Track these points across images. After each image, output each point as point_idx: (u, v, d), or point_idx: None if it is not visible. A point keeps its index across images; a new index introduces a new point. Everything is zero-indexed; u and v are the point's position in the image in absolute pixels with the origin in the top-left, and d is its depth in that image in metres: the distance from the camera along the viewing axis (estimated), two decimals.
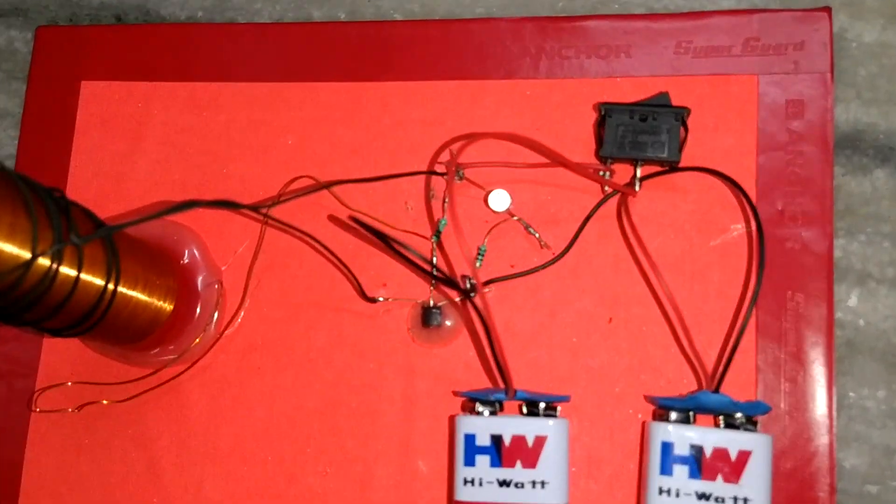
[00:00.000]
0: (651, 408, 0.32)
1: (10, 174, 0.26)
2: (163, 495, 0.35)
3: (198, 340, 0.36)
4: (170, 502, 0.35)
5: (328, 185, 0.35)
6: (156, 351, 0.36)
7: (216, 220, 0.37)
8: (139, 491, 0.35)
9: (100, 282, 0.30)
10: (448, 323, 0.34)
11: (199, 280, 0.36)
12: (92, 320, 0.31)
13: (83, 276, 0.29)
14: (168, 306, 0.34)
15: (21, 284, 0.26)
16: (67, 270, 0.28)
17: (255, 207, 0.34)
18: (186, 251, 0.36)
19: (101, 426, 0.36)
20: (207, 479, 0.35)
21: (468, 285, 0.34)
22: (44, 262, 0.26)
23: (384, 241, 0.31)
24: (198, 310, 0.36)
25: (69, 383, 0.36)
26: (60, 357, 0.37)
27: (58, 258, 0.27)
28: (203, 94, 0.38)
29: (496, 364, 0.30)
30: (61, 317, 0.29)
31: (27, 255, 0.25)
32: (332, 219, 0.36)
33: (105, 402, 0.35)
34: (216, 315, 0.36)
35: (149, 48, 0.39)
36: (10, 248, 0.25)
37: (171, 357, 0.36)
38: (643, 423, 0.32)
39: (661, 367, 0.33)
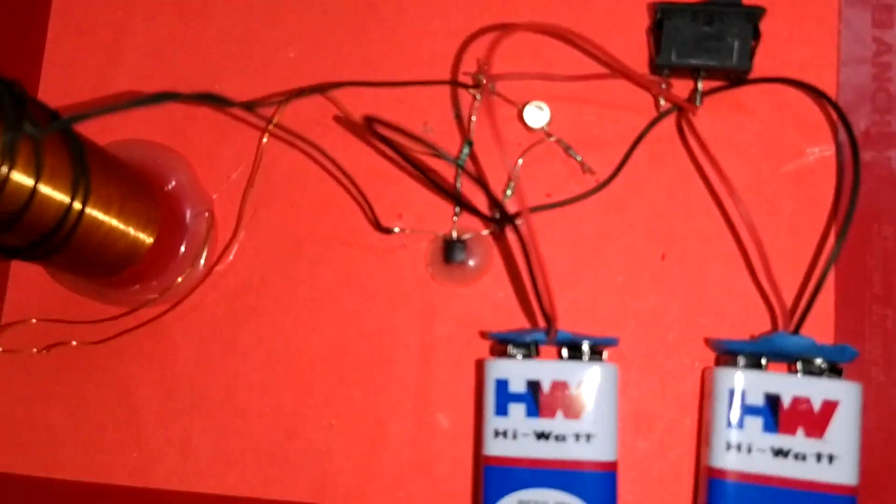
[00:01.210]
0: (712, 355, 0.28)
1: None
2: (144, 450, 0.31)
3: (180, 280, 0.31)
4: (152, 458, 0.30)
5: (334, 86, 0.30)
6: (135, 288, 0.31)
7: (206, 142, 0.32)
8: (117, 444, 0.31)
9: (64, 197, 0.25)
10: (472, 260, 0.30)
11: (187, 209, 0.32)
12: (55, 241, 0.26)
13: (42, 187, 0.24)
14: (148, 238, 0.29)
15: None
16: (23, 178, 0.23)
17: (249, 105, 0.29)
18: (172, 177, 0.32)
19: (73, 371, 0.31)
20: (195, 433, 0.30)
21: (497, 215, 0.29)
22: None
23: (402, 156, 0.26)
24: (184, 242, 0.31)
25: (34, 320, 0.31)
26: (28, 294, 0.32)
27: (10, 154, 0.22)
28: (192, 1, 0.34)
29: (537, 298, 0.26)
30: (19, 232, 0.24)
31: None
32: (342, 135, 0.31)
33: (74, 343, 0.31)
34: (206, 249, 0.31)
35: None
36: None
37: (153, 296, 0.31)
38: (703, 372, 0.27)
39: (722, 310, 0.28)
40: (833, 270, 0.27)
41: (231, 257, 0.31)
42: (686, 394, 0.28)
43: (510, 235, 0.30)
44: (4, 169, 0.22)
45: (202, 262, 0.31)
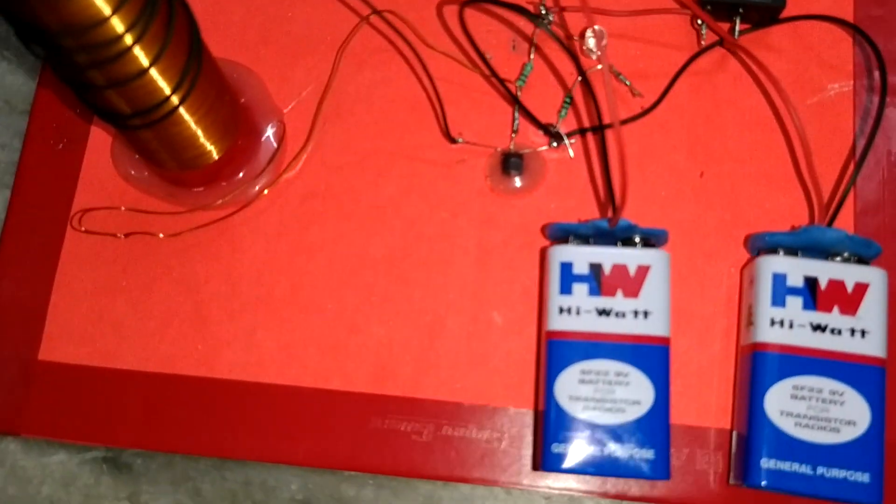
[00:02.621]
0: (744, 260, 0.31)
1: None
2: (209, 343, 0.32)
3: (257, 187, 0.33)
4: (216, 350, 0.32)
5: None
6: (201, 190, 0.33)
7: (278, 63, 0.35)
8: (182, 337, 0.32)
9: (174, 78, 0.27)
10: (527, 174, 0.32)
11: (259, 121, 0.34)
12: (158, 114, 0.28)
13: (158, 65, 0.26)
14: (226, 141, 0.31)
15: (107, 24, 0.23)
16: (142, 55, 0.25)
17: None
18: (246, 91, 0.34)
19: (144, 263, 0.33)
20: (259, 327, 0.32)
21: (553, 132, 0.32)
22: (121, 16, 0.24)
23: (479, 53, 0.29)
24: (256, 150, 0.33)
25: (122, 208, 0.32)
26: (103, 185, 0.33)
27: (156, 9, 0.24)
28: None
29: (608, 189, 0.28)
30: (129, 92, 0.26)
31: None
32: (407, 59, 0.34)
33: (161, 235, 0.32)
34: (275, 157, 0.33)
35: None
36: None
37: (220, 200, 0.33)
38: (743, 267, 0.30)
39: (754, 223, 0.31)
40: (853, 194, 0.31)
41: (300, 166, 0.34)
42: (723, 296, 0.31)
43: (563, 152, 0.33)
44: (146, 60, 0.24)
45: (270, 168, 0.33)
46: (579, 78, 0.33)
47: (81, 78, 0.25)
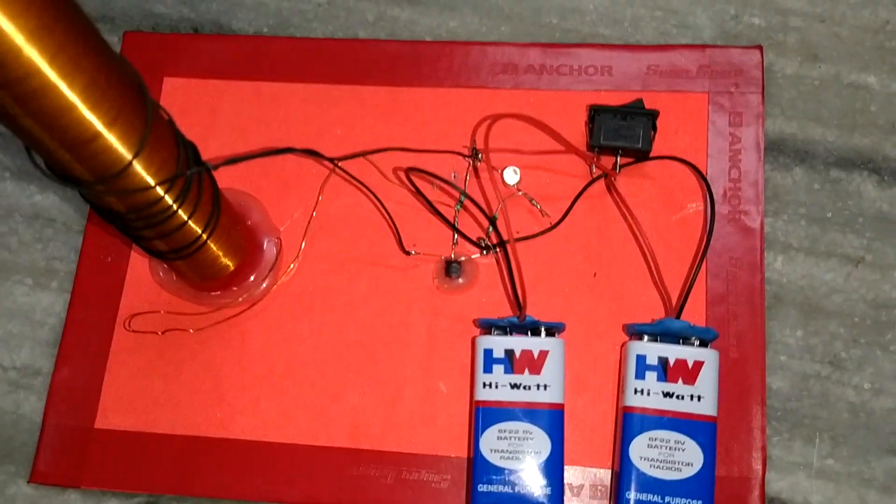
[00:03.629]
0: (627, 340, 0.41)
1: (171, 124, 0.34)
2: (225, 411, 0.42)
3: (262, 287, 0.43)
4: (231, 416, 0.42)
5: (374, 152, 0.44)
6: (220, 294, 0.43)
7: (275, 191, 0.45)
8: (204, 407, 0.42)
9: (202, 221, 0.38)
10: (465, 276, 0.43)
11: (262, 238, 0.44)
12: (185, 252, 0.38)
13: (193, 218, 0.37)
14: (235, 260, 0.42)
15: (160, 201, 0.34)
16: (183, 211, 0.36)
17: (333, 160, 0.42)
18: (251, 214, 0.45)
19: (176, 352, 0.43)
20: (263, 398, 0.42)
21: (483, 245, 0.43)
22: (168, 195, 0.34)
23: (422, 195, 0.39)
24: (259, 262, 0.44)
25: (161, 311, 0.43)
26: (144, 290, 0.44)
27: (190, 183, 0.35)
28: (266, 92, 0.47)
29: (514, 295, 0.39)
30: (174, 238, 0.37)
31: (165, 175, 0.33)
32: (376, 188, 0.44)
33: (191, 330, 0.43)
34: (274, 267, 0.44)
35: (222, 53, 0.48)
36: (162, 171, 0.33)
37: (234, 300, 0.43)
38: (622, 346, 0.41)
39: (633, 312, 0.42)
40: (705, 285, 0.42)
41: (293, 272, 0.44)
42: (610, 368, 0.41)
43: (491, 259, 0.43)
44: (184, 216, 0.35)
45: (271, 275, 0.44)
46: (500, 206, 0.43)
47: (135, 234, 0.36)
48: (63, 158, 0.29)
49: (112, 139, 0.29)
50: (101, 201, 0.33)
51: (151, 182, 0.32)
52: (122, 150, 0.29)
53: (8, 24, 0.23)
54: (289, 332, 0.43)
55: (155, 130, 0.31)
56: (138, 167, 0.31)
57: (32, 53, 0.24)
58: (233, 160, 0.35)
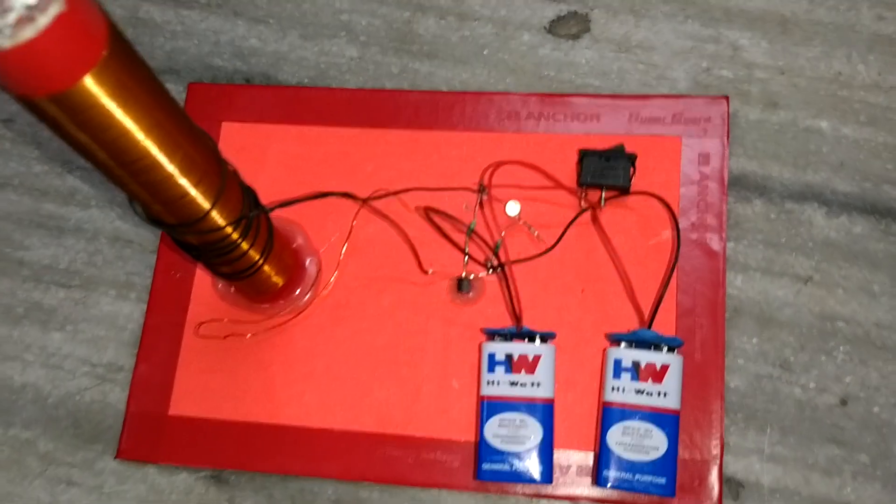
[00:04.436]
0: (607, 346, 0.49)
1: (236, 175, 0.43)
2: (275, 401, 0.51)
3: (304, 300, 0.52)
4: (280, 406, 0.51)
5: (399, 192, 0.52)
6: (269, 305, 0.52)
7: (315, 218, 0.54)
8: (257, 398, 0.51)
9: (259, 251, 0.47)
10: (474, 291, 0.51)
11: (305, 258, 0.53)
12: (245, 275, 0.47)
13: (251, 247, 0.45)
14: (284, 278, 0.51)
15: (230, 235, 0.43)
16: (245, 243, 0.45)
17: (367, 199, 0.51)
18: (296, 238, 0.53)
19: (235, 353, 0.52)
20: (306, 391, 0.51)
21: (489, 265, 0.51)
22: (234, 233, 0.43)
23: (437, 228, 0.48)
24: (303, 279, 0.53)
25: (225, 319, 0.52)
26: (207, 301, 0.53)
27: (253, 221, 0.44)
28: (308, 134, 0.56)
29: (512, 309, 0.47)
30: (237, 264, 0.46)
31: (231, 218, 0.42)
32: (399, 218, 0.53)
33: (250, 335, 0.52)
34: (315, 283, 0.53)
35: (270, 101, 0.57)
36: (231, 215, 0.42)
37: (282, 311, 0.52)
38: (603, 351, 0.49)
39: (615, 321, 0.50)
40: (675, 299, 0.50)
41: (331, 287, 0.53)
42: (594, 369, 0.49)
43: (496, 277, 0.52)
44: (245, 247, 0.44)
45: (312, 290, 0.53)
46: (503, 233, 0.52)
47: (205, 260, 0.45)
48: (157, 209, 0.38)
49: (197, 196, 0.38)
50: (183, 237, 0.42)
51: (222, 224, 0.41)
52: (204, 203, 0.38)
53: (132, 124, 0.31)
54: (327, 337, 0.52)
55: (226, 184, 0.40)
56: (214, 214, 0.40)
57: (148, 143, 0.32)
58: (284, 204, 0.44)
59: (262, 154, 0.56)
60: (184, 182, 0.36)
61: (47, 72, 0.27)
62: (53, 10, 0.24)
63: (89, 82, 0.28)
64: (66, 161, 0.58)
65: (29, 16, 0.24)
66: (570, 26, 0.57)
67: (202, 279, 0.54)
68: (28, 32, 0.24)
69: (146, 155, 0.33)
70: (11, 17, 0.23)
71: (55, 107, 0.29)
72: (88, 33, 0.27)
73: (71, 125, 0.30)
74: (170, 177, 0.35)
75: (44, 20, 0.24)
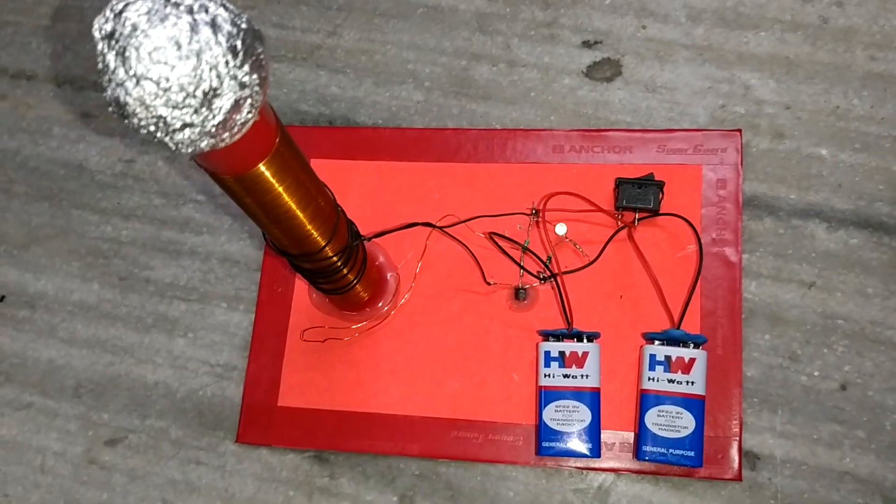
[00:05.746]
0: (643, 343, 0.59)
1: (343, 213, 0.53)
2: (365, 393, 0.62)
3: (386, 309, 0.63)
4: (369, 397, 0.62)
5: (466, 221, 0.63)
6: (357, 314, 0.63)
7: (394, 239, 0.65)
8: (351, 391, 0.62)
9: (356, 273, 0.57)
10: (528, 300, 0.62)
11: (386, 273, 0.64)
12: (341, 290, 0.58)
13: (350, 270, 0.56)
14: (371, 290, 0.61)
15: (336, 262, 0.53)
16: (346, 268, 0.55)
17: (442, 227, 0.61)
18: (378, 257, 0.64)
19: (331, 353, 0.63)
20: (391, 386, 0.62)
21: (542, 276, 0.61)
22: (339, 260, 0.54)
23: (499, 248, 0.58)
24: (385, 291, 0.63)
25: (326, 326, 0.63)
26: (305, 311, 0.64)
27: (354, 249, 0.54)
28: (383, 169, 0.66)
29: (563, 314, 0.57)
30: (338, 283, 0.56)
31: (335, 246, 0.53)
32: (466, 239, 0.63)
33: (346, 338, 0.62)
34: (394, 294, 0.63)
35: (350, 141, 0.67)
36: (339, 246, 0.52)
37: (369, 319, 0.63)
38: (640, 348, 0.59)
39: (649, 322, 0.60)
40: (699, 303, 0.59)
41: (408, 297, 0.63)
42: (632, 364, 0.59)
43: (548, 286, 0.62)
44: (346, 271, 0.54)
45: (392, 300, 0.63)
46: (551, 252, 0.62)
47: (311, 279, 0.55)
48: (284, 244, 0.49)
49: (317, 235, 0.48)
50: (299, 262, 0.53)
51: (332, 255, 0.51)
52: (321, 240, 0.49)
53: (276, 186, 0.42)
54: (407, 339, 0.63)
55: (338, 223, 0.51)
56: (327, 248, 0.50)
57: (292, 203, 0.43)
58: (378, 234, 0.55)
59: (346, 186, 0.66)
60: (310, 226, 0.47)
61: (239, 161, 0.37)
62: (252, 120, 0.35)
63: (263, 167, 0.38)
64: (180, 194, 0.69)
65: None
66: (604, 70, 0.66)
67: (300, 292, 0.65)
68: (236, 137, 0.34)
69: (289, 209, 0.44)
70: (235, 130, 0.33)
71: (236, 183, 0.39)
72: (268, 132, 0.37)
73: (242, 192, 0.40)
74: (302, 224, 0.46)
75: (245, 128, 0.35)
